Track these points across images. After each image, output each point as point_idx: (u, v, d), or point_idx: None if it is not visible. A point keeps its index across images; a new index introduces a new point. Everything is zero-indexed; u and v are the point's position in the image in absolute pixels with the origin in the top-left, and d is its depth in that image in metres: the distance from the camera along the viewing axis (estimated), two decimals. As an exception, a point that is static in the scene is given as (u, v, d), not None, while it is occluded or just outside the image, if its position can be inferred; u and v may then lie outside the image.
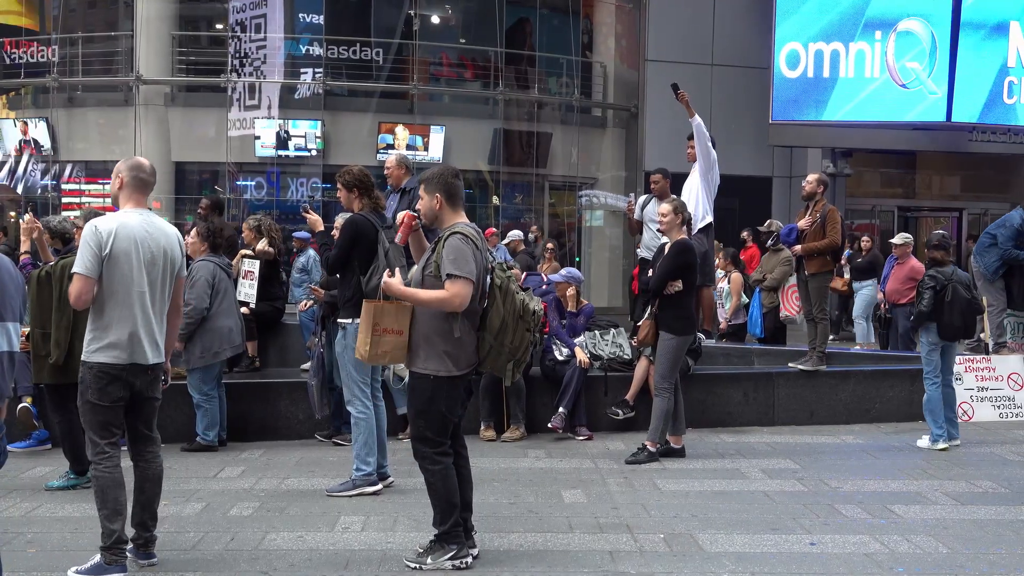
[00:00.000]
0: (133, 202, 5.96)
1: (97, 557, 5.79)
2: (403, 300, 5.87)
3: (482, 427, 9.87)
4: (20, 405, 9.19)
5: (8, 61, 23.40)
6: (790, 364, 10.99)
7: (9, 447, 8.88)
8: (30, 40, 23.24)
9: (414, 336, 5.94)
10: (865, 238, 17.13)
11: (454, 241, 5.78)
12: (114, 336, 5.72)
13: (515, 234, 17.32)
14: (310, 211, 8.09)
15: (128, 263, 5.73)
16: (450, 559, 5.87)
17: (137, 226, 5.85)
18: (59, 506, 7.43)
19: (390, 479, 7.91)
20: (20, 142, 23.03)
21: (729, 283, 13.93)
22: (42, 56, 23.00)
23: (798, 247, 10.86)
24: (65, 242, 11.10)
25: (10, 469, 8.31)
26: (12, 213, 24.28)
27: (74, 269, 5.70)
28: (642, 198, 11.28)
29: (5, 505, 7.43)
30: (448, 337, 5.79)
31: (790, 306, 13.14)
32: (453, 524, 5.91)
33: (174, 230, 6.22)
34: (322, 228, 8.06)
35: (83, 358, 5.78)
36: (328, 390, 9.03)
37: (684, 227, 9.02)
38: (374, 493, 7.67)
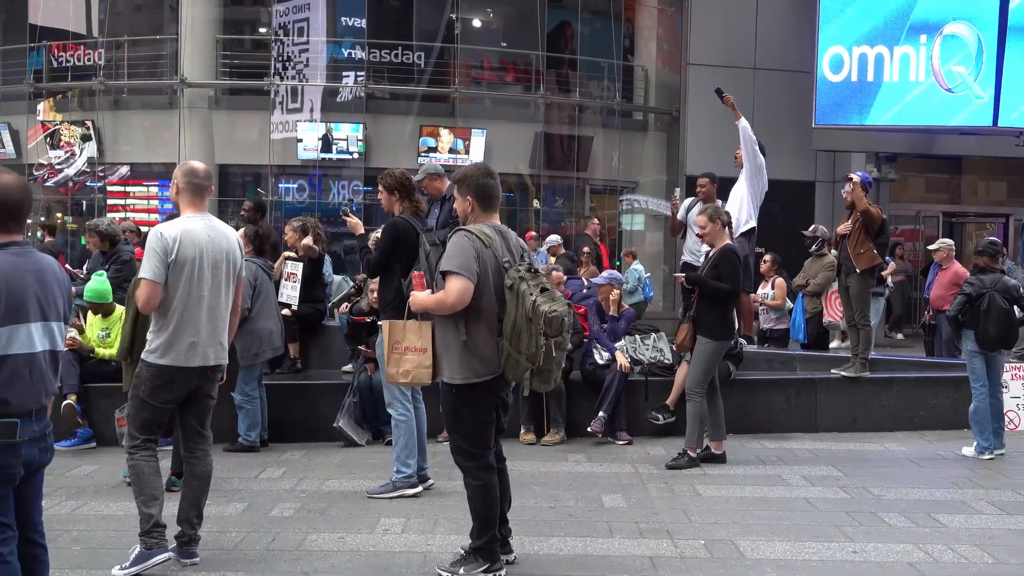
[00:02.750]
0: (193, 207, 6.09)
1: (137, 547, 5.85)
2: (418, 309, 5.86)
3: (522, 431, 9.87)
4: (65, 403, 9.29)
5: (55, 64, 23.69)
6: (833, 370, 10.90)
7: (55, 445, 9.02)
8: (77, 43, 23.52)
9: (436, 347, 5.91)
10: None
11: (455, 238, 5.72)
12: (178, 339, 5.90)
13: (554, 239, 17.29)
14: (350, 214, 8.11)
15: (193, 267, 5.90)
16: (483, 572, 5.81)
17: (200, 231, 6.00)
18: (103, 504, 7.51)
19: (430, 481, 7.92)
20: (66, 143, 23.29)
21: (774, 288, 13.81)
22: (88, 59, 23.27)
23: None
24: (112, 244, 11.25)
25: (55, 467, 8.38)
26: (59, 214, 24.57)
27: (141, 275, 5.88)
28: (687, 200, 11.22)
29: (51, 503, 7.49)
30: (463, 342, 5.66)
31: (833, 311, 13.03)
32: (489, 540, 5.85)
33: (233, 232, 6.33)
34: (362, 231, 8.06)
35: (143, 356, 5.96)
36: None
37: (726, 230, 8.97)
38: (414, 495, 7.68)
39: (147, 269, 5.83)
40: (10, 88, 24.75)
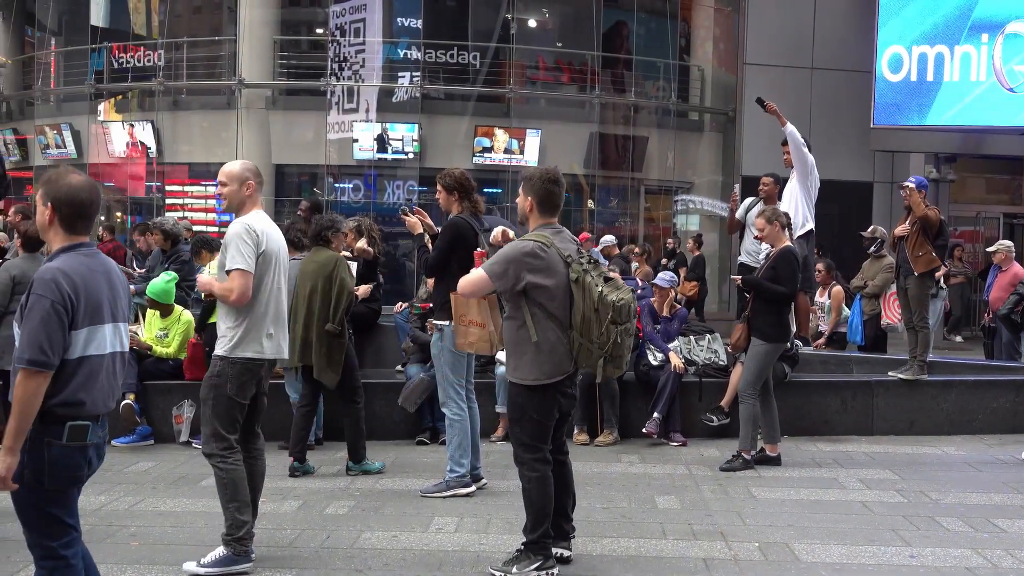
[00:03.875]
0: (259, 205, 6.17)
1: (222, 550, 5.88)
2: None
3: (575, 431, 9.85)
4: (124, 403, 9.42)
5: (116, 65, 24.03)
6: (890, 373, 10.77)
7: (114, 442, 9.16)
8: (137, 45, 23.85)
9: (506, 344, 5.99)
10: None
11: (511, 245, 6.02)
12: (259, 331, 6.03)
13: (608, 239, 17.28)
14: (408, 214, 8.11)
15: (273, 262, 6.09)
16: (535, 569, 5.81)
17: (273, 227, 6.20)
18: (161, 500, 7.60)
19: (483, 481, 7.93)
20: (127, 144, 23.63)
21: (830, 297, 13.66)
22: (148, 60, 23.59)
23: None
24: (174, 243, 11.39)
25: (114, 464, 8.54)
26: (119, 213, 24.91)
27: (236, 265, 5.92)
28: (748, 200, 11.13)
29: (109, 499, 7.62)
30: (536, 346, 5.76)
31: (892, 314, 12.89)
32: (543, 534, 5.87)
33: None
34: (420, 231, 8.02)
35: (223, 353, 6.00)
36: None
37: (786, 231, 8.91)
38: (467, 495, 7.70)
39: (241, 260, 5.90)
40: (72, 89, 25.17)
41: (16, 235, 10.26)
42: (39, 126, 25.13)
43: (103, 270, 4.31)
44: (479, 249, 6.79)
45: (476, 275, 5.96)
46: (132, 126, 23.68)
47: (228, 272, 5.96)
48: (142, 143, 23.34)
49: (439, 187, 7.88)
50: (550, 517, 5.89)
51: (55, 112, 25.68)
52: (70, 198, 4.22)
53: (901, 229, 10.57)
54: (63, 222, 4.22)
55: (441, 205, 7.99)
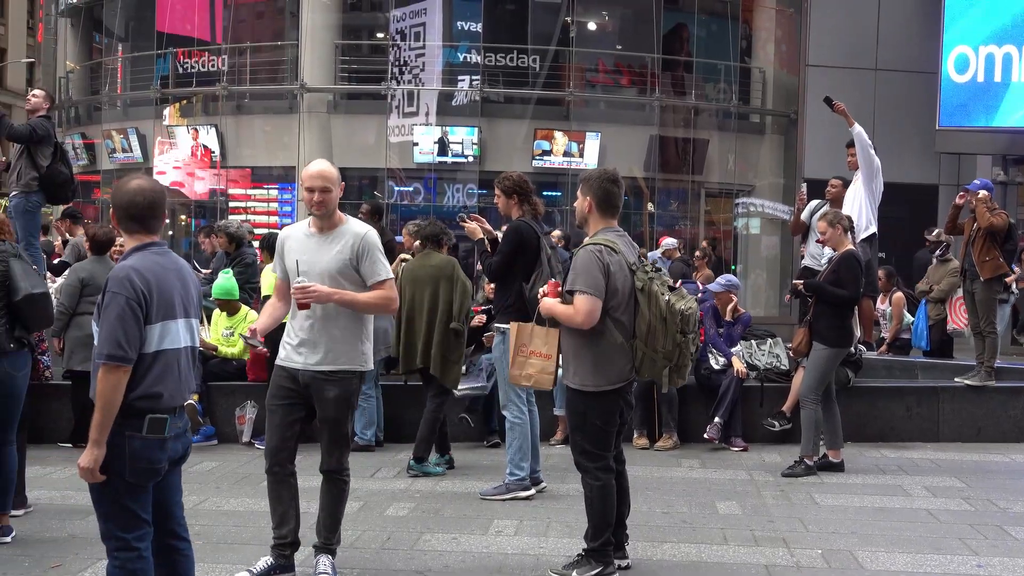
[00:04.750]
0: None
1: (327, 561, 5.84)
2: (546, 313, 5.89)
3: (635, 435, 9.81)
4: (187, 402, 9.51)
5: (181, 71, 24.38)
6: (957, 379, 10.60)
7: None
8: (201, 50, 24.17)
9: (564, 349, 5.92)
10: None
11: (582, 254, 5.74)
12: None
13: (670, 242, 17.18)
14: (467, 220, 8.10)
15: None
16: None
17: None
18: (224, 500, 7.68)
19: (543, 484, 7.92)
20: (191, 148, 23.96)
21: (891, 304, 13.48)
22: (212, 65, 23.90)
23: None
24: (238, 246, 11.52)
25: (178, 463, 8.63)
26: (183, 216, 25.25)
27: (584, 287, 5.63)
28: (814, 202, 11.00)
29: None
30: (596, 350, 5.70)
31: (958, 318, 12.69)
32: (604, 543, 5.83)
33: None
34: (480, 236, 8.02)
35: (354, 368, 5.79)
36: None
37: (848, 235, 8.80)
38: (527, 498, 7.69)
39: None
40: (138, 94, 25.57)
41: (85, 238, 10.46)
42: (106, 130, 25.57)
43: (174, 267, 4.46)
44: (553, 280, 6.46)
45: (580, 301, 5.57)
46: (196, 130, 24.00)
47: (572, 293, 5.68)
48: (206, 147, 23.65)
49: (498, 191, 7.87)
50: (612, 526, 5.86)
51: (122, 117, 26.11)
52: (126, 202, 4.39)
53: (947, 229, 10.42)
54: (123, 224, 4.42)
55: (500, 209, 7.98)
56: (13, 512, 6.94)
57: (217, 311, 10.34)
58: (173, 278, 4.42)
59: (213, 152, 23.48)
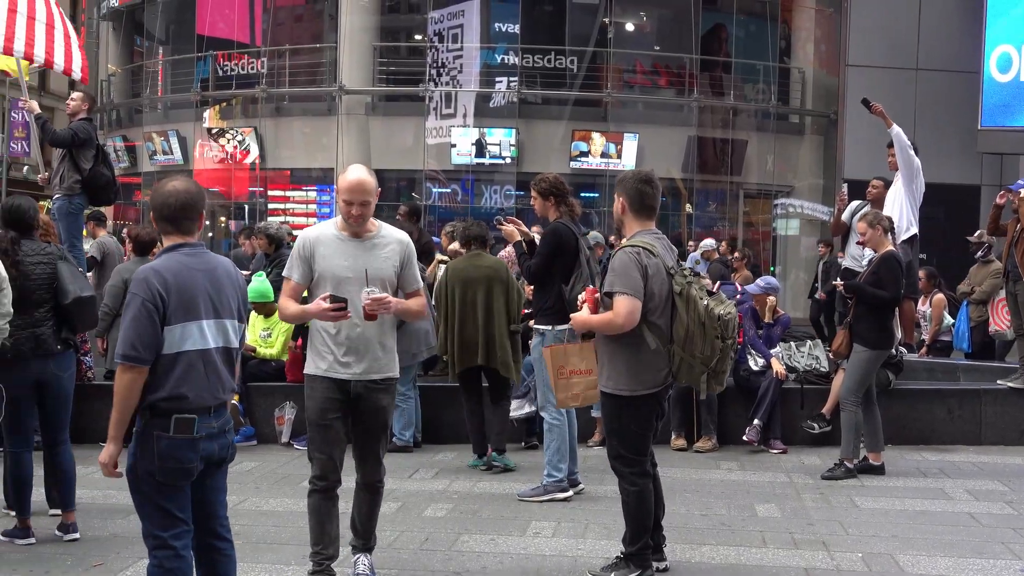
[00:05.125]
0: None
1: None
2: (580, 329, 5.84)
3: (673, 436, 9.78)
4: (229, 402, 9.58)
5: (220, 73, 24.57)
6: (999, 381, 10.48)
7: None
8: (241, 53, 24.35)
9: (600, 354, 5.89)
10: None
11: (620, 256, 5.68)
12: None
13: (708, 243, 17.13)
14: (504, 222, 8.09)
15: None
16: None
17: None
18: (264, 500, 7.72)
19: (581, 486, 7.91)
20: (231, 150, 24.13)
21: (931, 305, 13.34)
22: (251, 68, 24.07)
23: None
24: (278, 247, 11.58)
25: (218, 463, 8.70)
26: (222, 218, 25.43)
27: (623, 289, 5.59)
28: (855, 203, 10.91)
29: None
30: (632, 355, 5.64)
31: (1000, 320, 12.55)
32: (642, 546, 5.80)
33: None
34: (518, 239, 8.01)
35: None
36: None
37: (889, 236, 8.73)
38: (565, 500, 7.68)
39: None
40: (178, 96, 25.80)
41: (127, 239, 10.56)
42: (147, 133, 25.83)
43: (205, 268, 4.47)
44: (590, 287, 6.37)
45: (620, 303, 5.51)
46: (236, 132, 24.17)
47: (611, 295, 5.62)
48: (245, 149, 23.81)
49: (534, 193, 7.86)
50: (649, 530, 5.84)
51: (162, 119, 26.36)
52: (159, 203, 4.45)
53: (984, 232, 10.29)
54: (160, 225, 4.49)
55: (537, 211, 7.97)
56: (53, 511, 7.03)
57: (253, 313, 10.40)
58: (201, 279, 4.42)
59: (252, 154, 23.62)
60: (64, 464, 6.71)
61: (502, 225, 8.06)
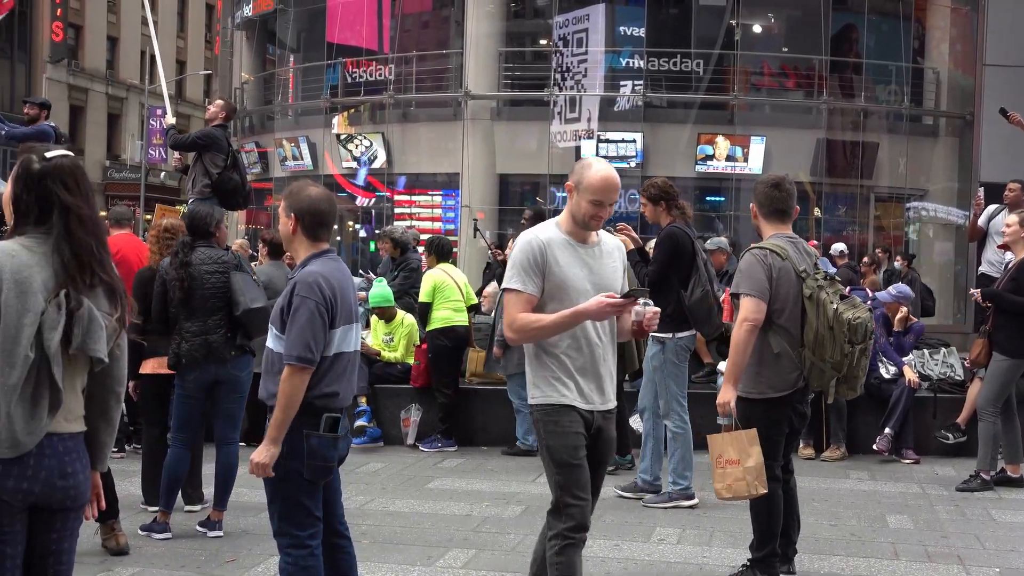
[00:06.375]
0: None
1: None
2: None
3: (800, 445, 9.59)
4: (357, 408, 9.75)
5: (349, 80, 25.01)
6: None
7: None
8: (369, 60, 24.75)
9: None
10: None
11: (747, 257, 5.70)
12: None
13: (839, 247, 16.77)
14: (616, 232, 7.96)
15: None
16: None
17: None
18: (390, 501, 7.83)
19: (695, 500, 7.81)
20: (358, 156, 24.54)
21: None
22: (379, 75, 24.43)
23: None
24: (404, 251, 11.73)
25: (346, 463, 8.78)
26: (350, 223, 25.88)
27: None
28: (991, 207, 10.56)
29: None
30: (758, 358, 5.60)
31: None
32: (769, 552, 5.72)
33: None
34: (631, 247, 7.72)
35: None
36: None
37: (1030, 241, 8.42)
38: (690, 507, 7.61)
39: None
40: (308, 103, 26.34)
41: (261, 243, 10.81)
42: (278, 139, 26.42)
43: (347, 274, 4.63)
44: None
45: (745, 304, 5.48)
46: (363, 138, 24.56)
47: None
48: (373, 154, 24.18)
49: (643, 199, 7.79)
50: (777, 536, 5.75)
51: (293, 126, 26.94)
52: (311, 209, 4.51)
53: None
54: (306, 231, 4.52)
55: (648, 217, 7.89)
56: (189, 507, 7.23)
57: (375, 317, 10.55)
58: (348, 284, 4.56)
59: (379, 159, 23.96)
60: (229, 462, 6.83)
61: (619, 232, 7.91)
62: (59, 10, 40.79)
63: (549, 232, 4.60)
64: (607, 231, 7.75)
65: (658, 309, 4.54)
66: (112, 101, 48.10)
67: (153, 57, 38.70)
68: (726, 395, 5.61)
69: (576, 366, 4.52)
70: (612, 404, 4.66)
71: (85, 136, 44.36)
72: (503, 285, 4.67)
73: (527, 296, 4.48)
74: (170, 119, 10.99)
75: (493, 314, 9.97)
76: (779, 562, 5.83)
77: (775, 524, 5.73)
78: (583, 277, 4.54)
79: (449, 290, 10.04)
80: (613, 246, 4.79)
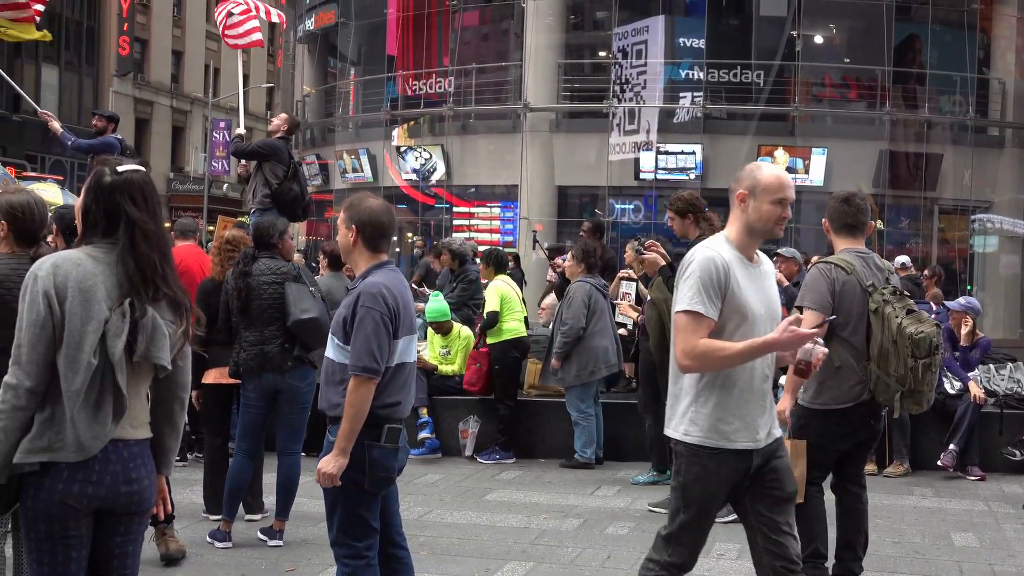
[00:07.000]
0: None
1: None
2: (785, 406, 5.56)
3: (863, 460, 9.47)
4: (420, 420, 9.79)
5: (409, 93, 25.16)
6: None
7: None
8: (429, 72, 24.88)
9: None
10: None
11: (812, 271, 5.72)
12: None
13: (900, 260, 16.55)
14: (646, 250, 7.83)
15: None
16: None
17: None
18: (448, 512, 7.83)
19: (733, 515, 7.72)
20: (419, 168, 24.66)
21: None
22: (439, 87, 24.55)
23: None
24: (462, 263, 11.75)
25: (405, 475, 8.81)
26: (409, 234, 26.00)
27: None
28: None
29: (400, 508, 7.90)
30: (823, 369, 5.47)
31: None
32: (811, 554, 5.64)
33: None
34: (663, 264, 7.58)
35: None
36: None
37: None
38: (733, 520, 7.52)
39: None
40: (369, 116, 26.54)
41: (321, 255, 10.90)
42: (339, 151, 26.64)
43: (406, 285, 4.67)
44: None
45: (807, 317, 5.29)
46: (423, 150, 24.69)
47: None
48: (432, 166, 24.30)
49: (671, 213, 7.67)
50: (816, 539, 5.69)
51: (353, 138, 27.16)
52: (372, 220, 4.54)
53: None
54: (366, 243, 4.54)
55: (676, 231, 7.74)
56: (250, 516, 7.29)
57: (431, 331, 10.58)
58: (409, 295, 4.60)
59: (439, 171, 24.06)
60: (291, 472, 6.87)
61: (644, 255, 7.82)
62: (126, 25, 41.50)
63: (722, 250, 4.21)
64: (635, 250, 7.42)
65: (826, 349, 4.30)
66: (176, 114, 48.79)
67: (217, 70, 39.13)
68: (783, 404, 5.57)
69: (744, 400, 4.19)
70: (776, 434, 4.36)
71: (150, 148, 44.99)
72: (678, 307, 4.18)
73: (708, 321, 4.10)
74: (240, 129, 11.16)
75: (552, 326, 9.97)
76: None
77: (814, 527, 5.68)
78: (759, 301, 4.23)
79: (514, 302, 10.09)
80: (770, 266, 4.49)
